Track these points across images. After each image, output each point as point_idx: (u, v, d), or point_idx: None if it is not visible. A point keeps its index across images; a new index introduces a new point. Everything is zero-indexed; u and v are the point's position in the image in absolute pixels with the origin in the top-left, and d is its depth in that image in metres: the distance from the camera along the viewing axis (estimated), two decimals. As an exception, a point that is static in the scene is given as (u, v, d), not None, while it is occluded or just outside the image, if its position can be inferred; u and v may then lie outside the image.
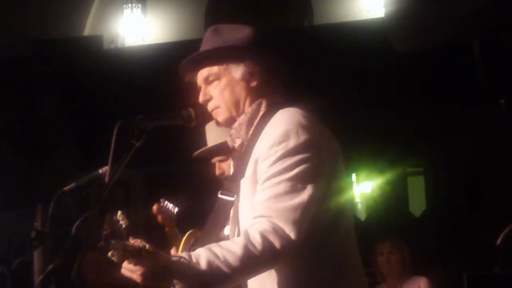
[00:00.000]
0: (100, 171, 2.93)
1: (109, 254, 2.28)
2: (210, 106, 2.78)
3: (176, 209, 3.78)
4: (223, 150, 3.65)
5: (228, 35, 2.78)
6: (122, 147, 2.62)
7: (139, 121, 2.66)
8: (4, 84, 7.17)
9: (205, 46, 2.81)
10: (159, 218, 3.73)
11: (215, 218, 2.71)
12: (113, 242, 2.27)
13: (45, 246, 5.87)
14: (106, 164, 2.64)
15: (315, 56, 6.92)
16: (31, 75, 7.31)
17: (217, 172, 3.73)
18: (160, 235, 3.75)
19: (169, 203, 3.79)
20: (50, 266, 2.45)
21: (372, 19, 7.76)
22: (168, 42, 8.16)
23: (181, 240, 3.46)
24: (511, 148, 7.01)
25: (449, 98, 6.86)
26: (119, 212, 2.35)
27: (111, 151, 2.57)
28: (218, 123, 2.83)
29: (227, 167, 3.68)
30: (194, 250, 2.51)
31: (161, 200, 3.77)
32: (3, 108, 7.19)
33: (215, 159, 3.79)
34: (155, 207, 3.75)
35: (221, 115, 2.77)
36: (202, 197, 3.67)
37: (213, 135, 3.71)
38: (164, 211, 3.73)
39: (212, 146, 3.71)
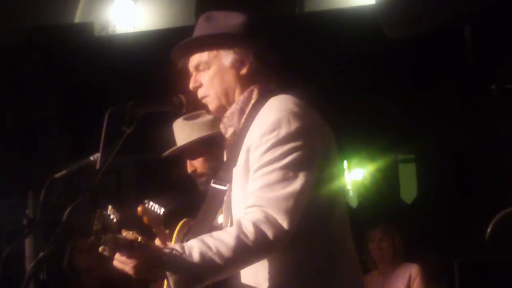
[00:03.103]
0: (91, 158, 2.91)
1: (100, 249, 2.27)
2: (199, 94, 2.77)
3: (163, 210, 3.75)
4: (193, 148, 3.64)
5: (219, 22, 2.77)
6: (113, 134, 2.62)
7: (130, 108, 2.65)
8: (-5, 71, 7.15)
9: (197, 33, 2.80)
10: (145, 219, 3.71)
11: (208, 207, 2.70)
12: (103, 237, 2.26)
13: (36, 234, 5.86)
14: (97, 151, 2.64)
15: (307, 43, 6.91)
16: (21, 63, 7.28)
17: (189, 169, 3.69)
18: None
19: (154, 204, 3.76)
20: (41, 254, 2.45)
21: (363, 5, 7.74)
22: (159, 29, 8.13)
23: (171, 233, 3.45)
24: (502, 135, 7.03)
25: (441, 85, 6.87)
26: (110, 207, 2.33)
27: (102, 138, 2.57)
28: (208, 111, 2.83)
29: (198, 164, 3.65)
30: (188, 239, 2.51)
31: (146, 201, 3.74)
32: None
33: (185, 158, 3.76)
34: (139, 209, 3.72)
35: (210, 104, 2.77)
36: (193, 187, 3.67)
37: (181, 133, 3.69)
38: (149, 212, 3.71)
39: (181, 146, 3.67)
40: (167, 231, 3.64)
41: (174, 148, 3.72)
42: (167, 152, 3.77)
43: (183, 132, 3.66)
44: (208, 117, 3.50)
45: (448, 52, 6.74)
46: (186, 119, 3.63)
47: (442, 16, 4.50)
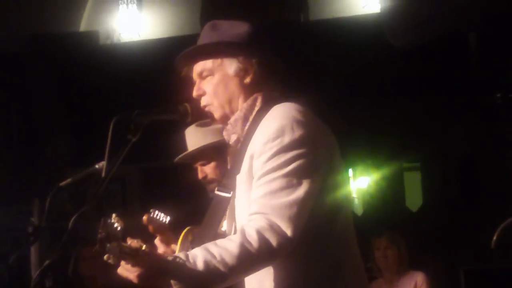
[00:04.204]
0: (97, 166, 2.91)
1: (105, 257, 2.28)
2: (203, 102, 2.78)
3: (168, 218, 3.76)
4: (205, 153, 3.65)
5: (224, 31, 2.78)
6: (118, 142, 2.62)
7: (135, 116, 2.65)
8: (0, 78, 7.16)
9: (201, 41, 2.81)
10: (150, 228, 3.73)
11: (212, 214, 2.71)
12: (108, 245, 2.26)
13: (42, 241, 5.87)
14: (102, 159, 2.64)
15: (312, 51, 6.92)
16: (26, 70, 7.30)
17: (200, 176, 3.70)
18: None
19: (160, 213, 3.77)
20: (47, 261, 2.45)
21: (367, 14, 7.76)
22: (164, 37, 8.16)
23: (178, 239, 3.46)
24: (507, 142, 7.01)
25: (445, 93, 6.86)
26: (114, 215, 2.33)
27: (108, 146, 2.57)
28: (213, 119, 2.83)
29: (209, 170, 3.66)
30: (193, 247, 2.52)
31: (152, 210, 3.76)
32: (-1, 103, 7.19)
33: (197, 164, 3.76)
34: (145, 218, 3.73)
35: (215, 112, 2.77)
36: (197, 195, 3.67)
37: (193, 139, 3.70)
38: (154, 221, 3.72)
39: (193, 151, 3.68)
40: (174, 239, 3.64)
41: (186, 153, 3.73)
42: (178, 158, 3.78)
43: (196, 138, 3.67)
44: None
45: (453, 60, 6.75)
46: (199, 125, 3.65)
47: (446, 23, 4.51)
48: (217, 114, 2.77)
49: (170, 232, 3.52)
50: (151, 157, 6.74)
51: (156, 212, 3.64)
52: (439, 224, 7.77)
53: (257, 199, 2.52)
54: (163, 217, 3.68)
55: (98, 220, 2.30)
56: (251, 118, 2.70)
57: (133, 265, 2.36)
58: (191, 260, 2.39)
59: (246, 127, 2.70)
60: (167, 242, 3.27)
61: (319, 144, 2.58)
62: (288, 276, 2.57)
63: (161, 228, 3.61)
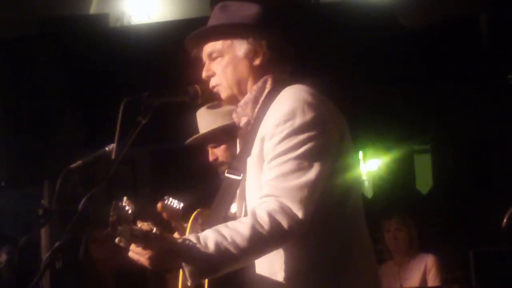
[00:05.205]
0: (107, 148, 2.92)
1: (116, 240, 2.28)
2: (211, 83, 2.77)
3: (182, 205, 3.78)
4: (216, 136, 3.65)
5: (234, 12, 2.77)
6: (128, 124, 2.62)
7: (145, 98, 2.65)
8: (10, 61, 7.16)
9: (211, 23, 2.80)
10: (164, 215, 3.75)
11: (222, 197, 2.71)
12: (119, 228, 2.27)
13: (52, 224, 5.89)
14: (112, 142, 2.64)
15: (322, 34, 6.89)
16: (37, 53, 7.30)
17: (211, 158, 3.70)
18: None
19: (173, 200, 3.80)
20: (57, 243, 2.46)
21: (379, -4, 7.72)
22: (174, 20, 8.12)
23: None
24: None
25: (456, 74, 6.83)
26: (125, 198, 2.34)
27: (117, 129, 2.57)
28: (221, 100, 2.83)
29: (220, 153, 3.66)
30: (203, 229, 2.52)
31: (166, 197, 3.77)
32: (9, 86, 7.18)
33: (208, 146, 3.77)
34: (159, 205, 3.75)
35: (222, 92, 2.76)
36: (209, 177, 3.67)
37: (204, 121, 3.70)
38: (168, 208, 3.74)
39: (204, 133, 3.69)
40: (185, 225, 3.66)
41: (197, 135, 3.73)
42: (189, 140, 3.79)
43: (206, 120, 3.67)
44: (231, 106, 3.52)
45: (464, 41, 6.70)
46: (209, 107, 3.65)
47: (458, 5, 4.49)
48: (224, 94, 2.76)
49: (182, 221, 3.54)
50: (162, 139, 6.74)
51: (170, 199, 3.66)
52: (449, 206, 7.77)
53: (268, 181, 2.52)
54: (177, 204, 3.70)
55: (108, 202, 2.30)
56: (261, 100, 2.69)
57: (144, 248, 2.37)
58: (202, 242, 2.39)
59: (257, 109, 2.70)
60: (182, 233, 3.28)
61: (330, 127, 2.58)
62: (298, 258, 2.57)
63: (174, 215, 3.63)
